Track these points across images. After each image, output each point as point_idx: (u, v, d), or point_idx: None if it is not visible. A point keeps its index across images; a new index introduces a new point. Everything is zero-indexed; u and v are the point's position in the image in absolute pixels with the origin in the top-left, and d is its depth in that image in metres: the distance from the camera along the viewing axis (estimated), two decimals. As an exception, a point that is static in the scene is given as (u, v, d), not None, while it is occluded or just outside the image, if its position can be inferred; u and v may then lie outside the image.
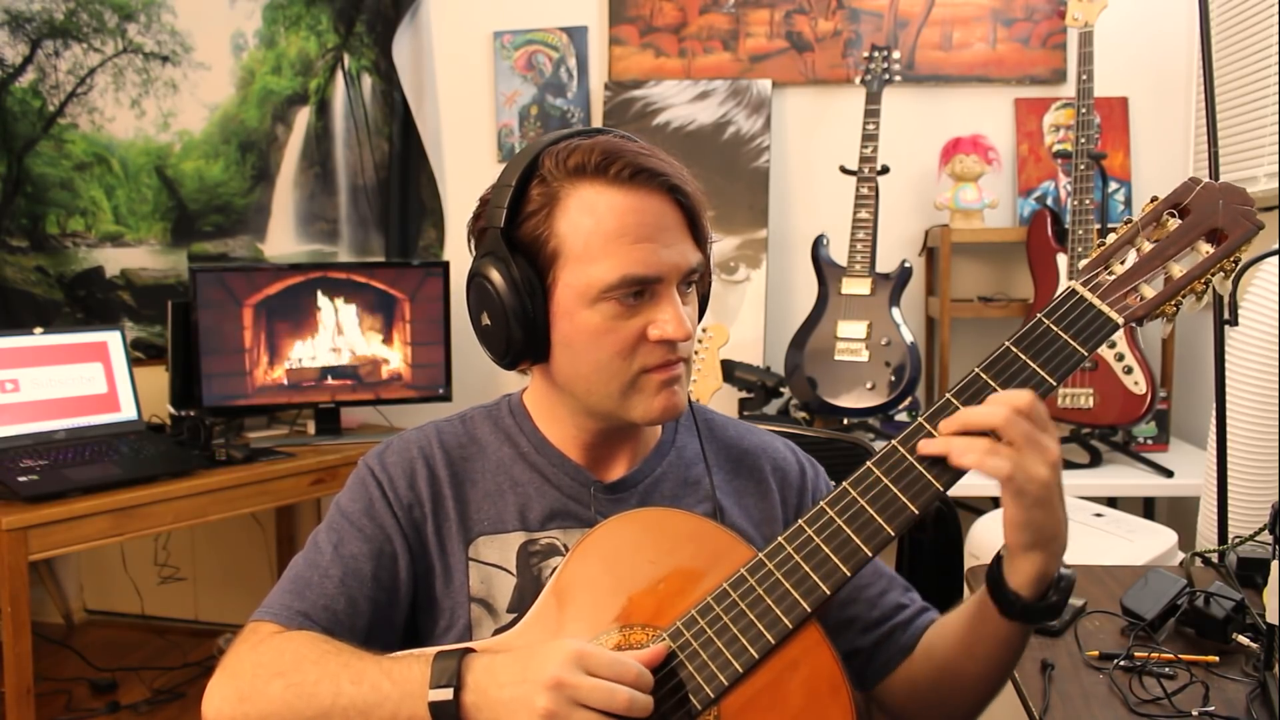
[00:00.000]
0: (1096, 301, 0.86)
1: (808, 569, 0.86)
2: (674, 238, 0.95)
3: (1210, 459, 1.85)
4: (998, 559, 0.90)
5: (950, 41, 2.79)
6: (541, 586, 0.95)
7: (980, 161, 2.63)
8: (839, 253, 2.58)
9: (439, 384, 2.82)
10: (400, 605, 1.01)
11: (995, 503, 2.27)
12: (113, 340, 2.57)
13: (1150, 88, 2.72)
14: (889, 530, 0.86)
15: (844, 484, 0.88)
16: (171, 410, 2.68)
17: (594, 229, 0.93)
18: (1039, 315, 0.87)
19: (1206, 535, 1.88)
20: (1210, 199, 0.86)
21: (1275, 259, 1.74)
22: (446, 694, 0.82)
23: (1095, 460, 2.36)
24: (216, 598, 3.32)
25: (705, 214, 0.99)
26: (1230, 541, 1.53)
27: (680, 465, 1.07)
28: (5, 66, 2.94)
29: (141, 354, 2.97)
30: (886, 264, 2.55)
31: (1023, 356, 0.86)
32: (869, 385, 2.46)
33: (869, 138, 2.54)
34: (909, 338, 2.47)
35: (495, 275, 0.94)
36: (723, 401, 2.52)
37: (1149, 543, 1.81)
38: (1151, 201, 0.89)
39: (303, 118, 3.11)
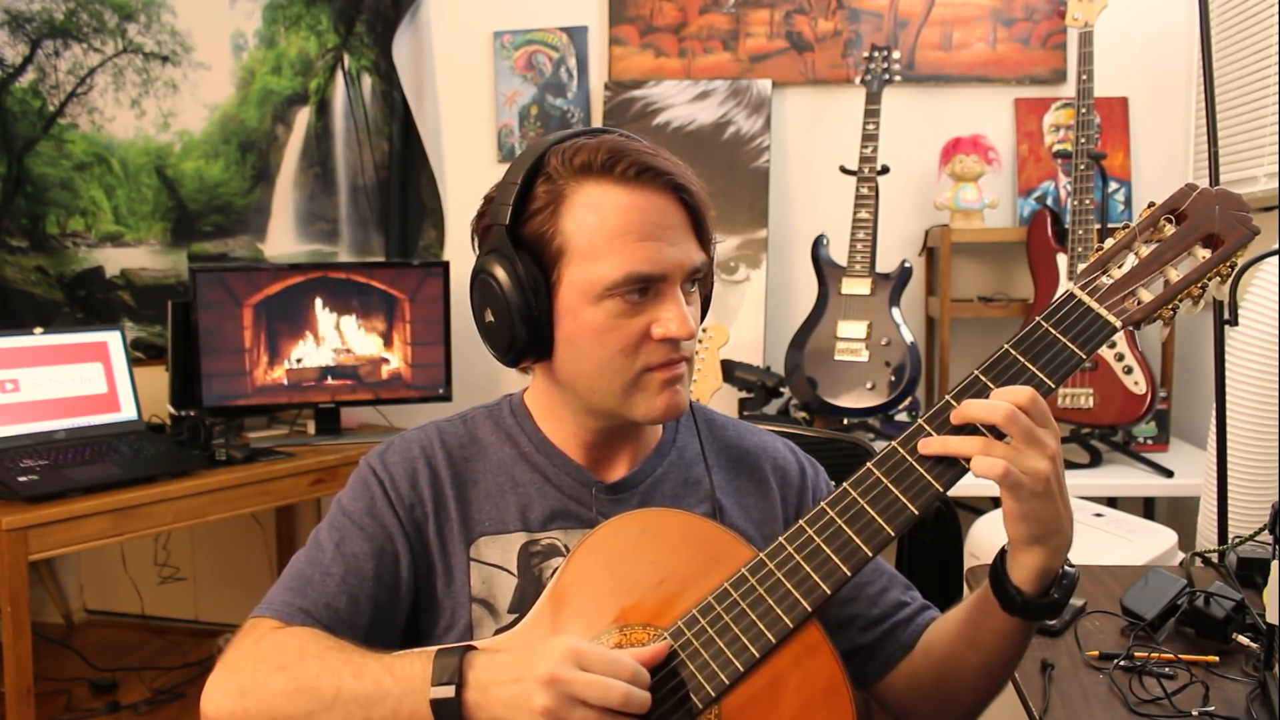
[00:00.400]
0: (1095, 305, 0.87)
1: (808, 569, 0.87)
2: (678, 236, 0.95)
3: (1210, 459, 1.85)
4: (1001, 553, 0.91)
5: (950, 41, 2.79)
6: (542, 587, 0.95)
7: (980, 161, 2.63)
8: (839, 253, 2.58)
9: (439, 384, 2.82)
10: (401, 605, 1.01)
11: (995, 503, 2.27)
12: (113, 340, 2.57)
13: (1150, 88, 2.72)
14: (889, 531, 0.86)
15: (844, 485, 0.88)
16: (171, 410, 2.68)
17: (599, 227, 0.93)
18: (1038, 319, 0.88)
19: (1206, 535, 1.88)
20: (1206, 205, 0.87)
21: (1275, 259, 1.74)
22: (448, 691, 0.83)
23: (1095, 460, 2.36)
24: (216, 598, 3.32)
25: (710, 214, 0.99)
26: (1230, 541, 1.53)
27: (681, 465, 1.08)
28: (5, 66, 2.94)
29: (141, 354, 2.97)
30: (886, 264, 2.55)
31: (1021, 359, 0.87)
32: (869, 385, 2.47)
33: (869, 138, 2.54)
34: (909, 338, 2.47)
35: (500, 272, 0.94)
36: (723, 401, 2.52)
37: (1149, 543, 1.82)
38: (1149, 207, 0.90)
39: (303, 118, 3.12)
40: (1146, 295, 0.87)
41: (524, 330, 0.95)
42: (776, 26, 2.86)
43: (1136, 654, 1.19)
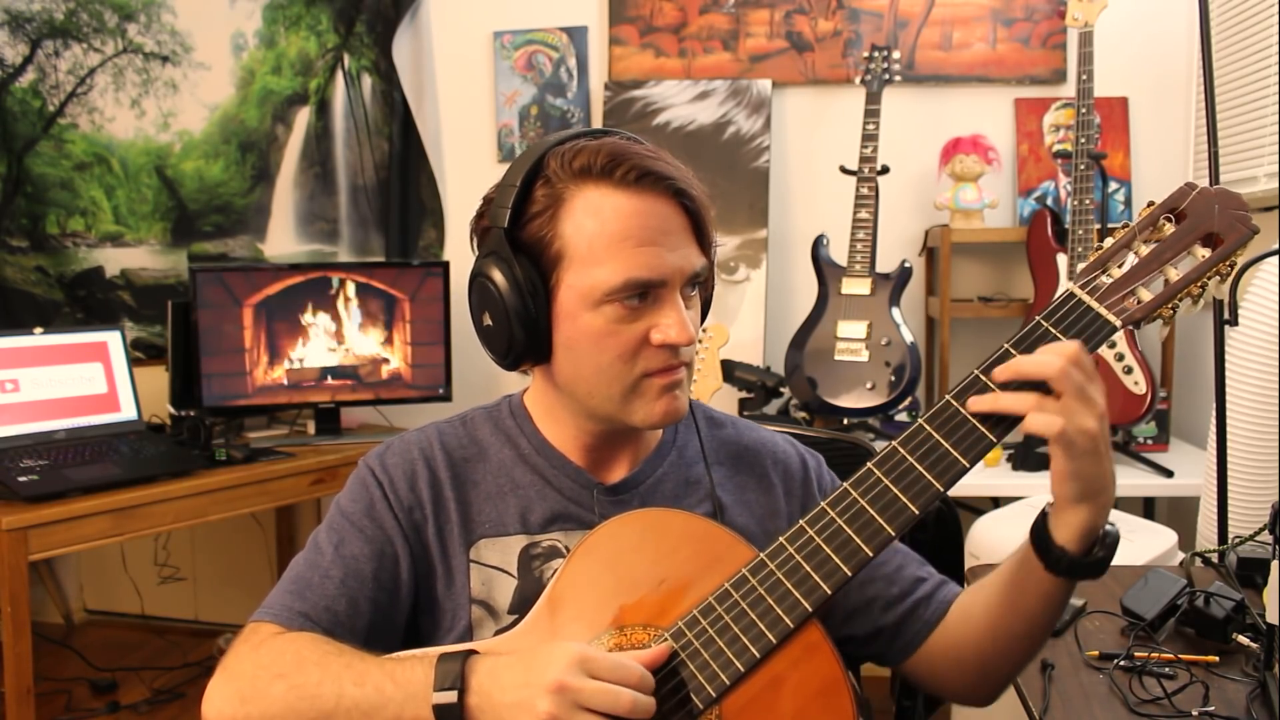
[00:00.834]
0: (1094, 304, 0.87)
1: (809, 569, 0.87)
2: (678, 241, 0.95)
3: (1210, 459, 1.85)
4: (1043, 515, 0.90)
5: (950, 41, 2.79)
6: (543, 588, 0.95)
7: (980, 161, 2.63)
8: (839, 253, 2.58)
9: (439, 384, 2.82)
10: (401, 606, 1.01)
11: (995, 503, 2.27)
12: (113, 340, 2.57)
13: (1150, 88, 2.72)
14: (890, 530, 0.86)
15: (845, 485, 0.88)
16: (171, 410, 2.68)
17: (598, 231, 0.92)
18: (1037, 318, 0.88)
19: (1206, 535, 1.88)
20: (1206, 204, 0.87)
21: (1275, 259, 1.74)
22: (450, 697, 0.82)
23: (1095, 460, 2.35)
24: (216, 598, 3.32)
25: (710, 218, 0.99)
26: (1230, 541, 1.53)
27: (681, 465, 1.08)
28: (5, 66, 2.94)
29: (141, 354, 2.97)
30: (886, 264, 2.55)
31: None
32: (869, 385, 2.47)
33: (869, 138, 2.54)
34: (909, 338, 2.47)
35: (498, 275, 0.94)
36: (723, 401, 2.51)
37: (1149, 543, 1.82)
38: (1148, 206, 0.90)
39: (303, 118, 3.12)
40: (1146, 294, 0.87)
41: (522, 334, 0.95)
42: (776, 26, 2.86)
43: (1136, 654, 1.19)
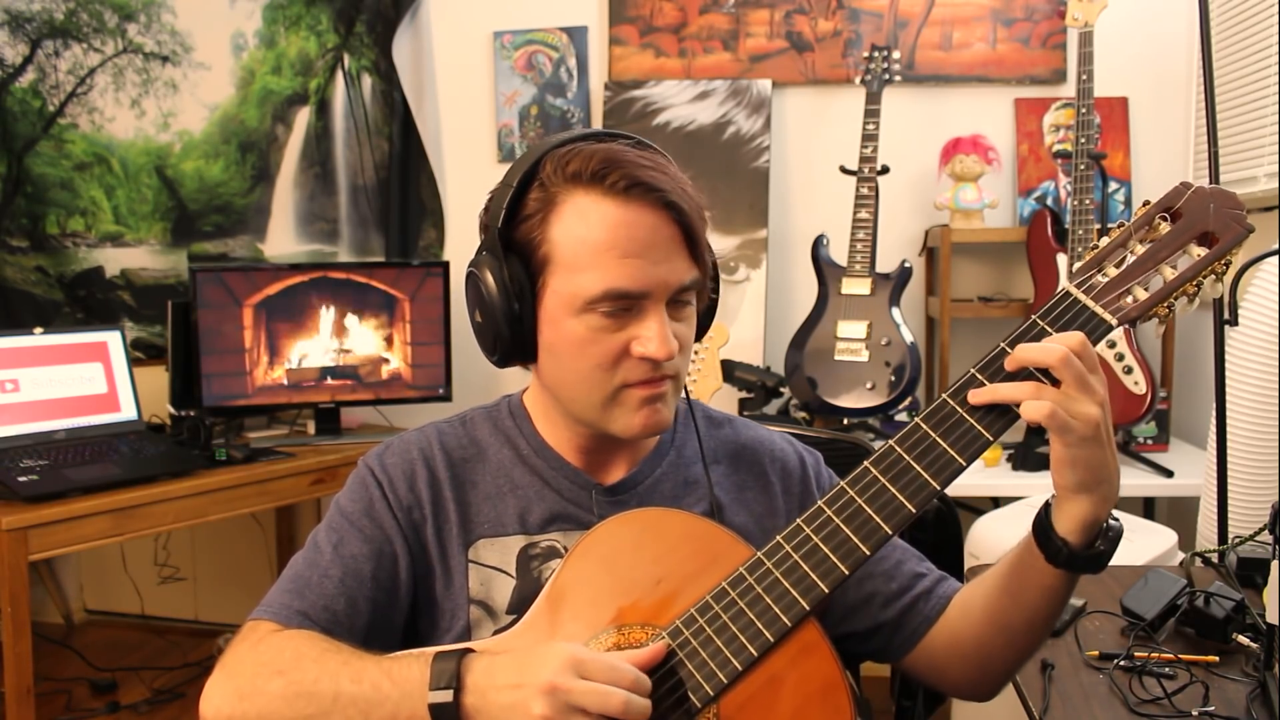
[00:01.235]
0: (1090, 303, 0.87)
1: (806, 568, 0.87)
2: (665, 254, 0.93)
3: (1210, 459, 1.85)
4: (1046, 506, 0.90)
5: (950, 41, 2.79)
6: (541, 588, 0.95)
7: (980, 161, 2.63)
8: (839, 253, 2.58)
9: (439, 384, 2.82)
10: (400, 606, 1.01)
11: (995, 503, 2.27)
12: (113, 340, 2.57)
13: (1150, 88, 2.72)
14: (887, 528, 0.86)
15: (842, 483, 0.88)
16: (171, 410, 2.68)
17: (584, 238, 0.92)
18: (1034, 316, 0.88)
19: (1206, 535, 1.88)
20: (1201, 203, 0.87)
21: (1275, 259, 1.74)
22: (446, 695, 0.83)
23: (1095, 460, 2.35)
24: (216, 598, 3.32)
25: (704, 230, 0.97)
26: (1230, 541, 1.53)
27: (680, 465, 1.08)
28: (5, 66, 2.95)
29: (141, 354, 2.97)
30: (886, 264, 2.55)
31: None
32: (869, 385, 2.46)
33: (869, 138, 2.54)
34: (909, 338, 2.47)
35: (488, 274, 0.95)
36: (723, 401, 2.51)
37: (1149, 543, 1.82)
38: (1144, 205, 0.90)
39: (303, 118, 3.12)
40: (1142, 293, 0.87)
41: (508, 333, 0.96)
42: (776, 26, 2.86)
43: (1136, 654, 1.19)
